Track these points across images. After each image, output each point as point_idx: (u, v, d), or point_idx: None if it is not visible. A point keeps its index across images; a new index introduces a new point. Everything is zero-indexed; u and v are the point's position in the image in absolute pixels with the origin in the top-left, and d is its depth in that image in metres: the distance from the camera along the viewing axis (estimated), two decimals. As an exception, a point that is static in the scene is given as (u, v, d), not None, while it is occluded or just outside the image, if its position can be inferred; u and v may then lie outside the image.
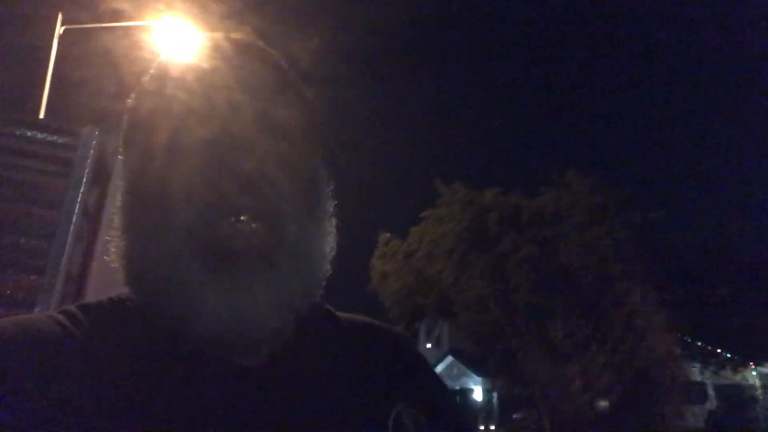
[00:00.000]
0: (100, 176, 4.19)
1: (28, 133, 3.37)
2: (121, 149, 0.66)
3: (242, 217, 0.56)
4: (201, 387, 0.55)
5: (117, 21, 9.18)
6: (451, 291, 17.70)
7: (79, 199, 3.49)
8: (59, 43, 8.60)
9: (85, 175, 3.50)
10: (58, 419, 0.47)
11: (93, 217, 4.48)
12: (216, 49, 0.64)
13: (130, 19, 9.21)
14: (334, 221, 0.68)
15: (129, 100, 0.66)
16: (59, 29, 8.56)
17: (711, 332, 16.68)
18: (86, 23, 9.00)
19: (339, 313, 0.75)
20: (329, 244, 0.67)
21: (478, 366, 21.03)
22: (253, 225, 0.56)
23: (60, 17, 8.67)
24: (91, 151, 3.52)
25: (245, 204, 0.56)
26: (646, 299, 15.07)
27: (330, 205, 0.68)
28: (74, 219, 3.43)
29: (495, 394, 21.48)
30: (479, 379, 22.53)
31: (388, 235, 19.95)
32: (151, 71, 0.66)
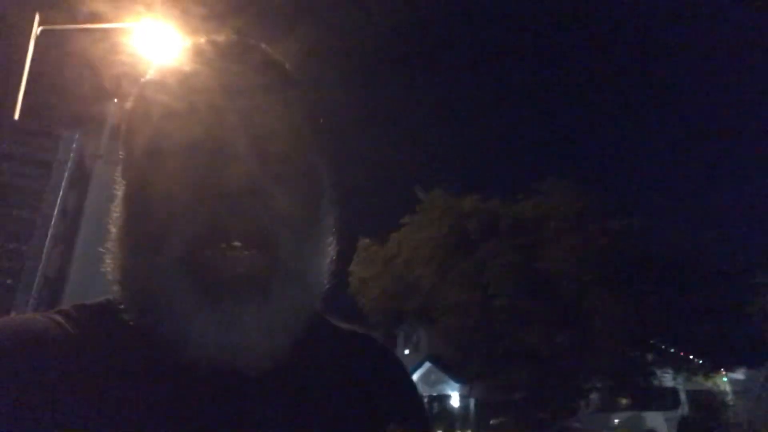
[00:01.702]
0: (80, 179, 4.15)
1: (5, 136, 3.34)
2: (120, 153, 0.65)
3: (235, 243, 0.53)
4: (198, 396, 0.54)
5: (96, 23, 9.04)
6: (430, 297, 17.74)
7: (58, 202, 3.46)
8: (36, 44, 8.46)
9: (65, 178, 3.47)
10: (52, 420, 0.47)
11: (71, 219, 4.43)
12: (208, 51, 0.61)
13: (109, 21, 9.07)
14: (333, 232, 0.66)
15: (125, 102, 0.65)
16: (36, 30, 8.43)
17: (684, 339, 16.94)
18: (64, 24, 8.86)
19: (338, 324, 0.74)
20: (328, 257, 0.64)
21: (456, 372, 21.07)
22: (246, 252, 0.54)
23: (37, 18, 8.54)
24: (71, 154, 3.50)
25: (237, 229, 0.54)
26: (619, 306, 15.28)
27: (332, 217, 0.66)
28: (53, 222, 3.39)
29: (472, 400, 21.55)
30: (457, 385, 22.57)
31: (368, 240, 19.94)
32: (152, 73, 0.63)
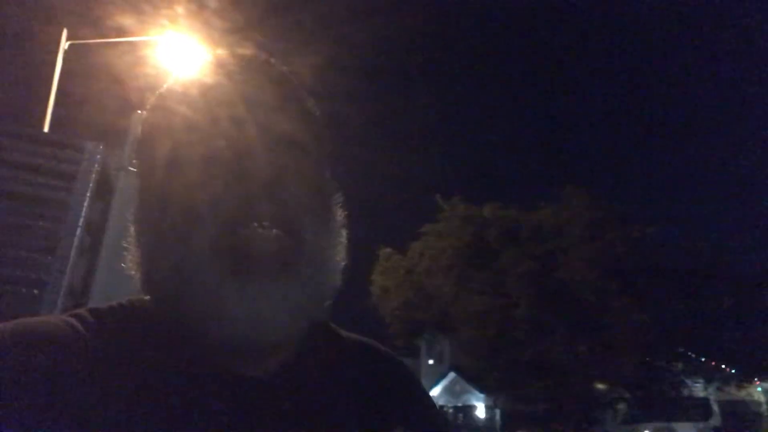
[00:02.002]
0: (104, 191, 4.19)
1: (32, 148, 3.37)
2: (134, 159, 0.68)
3: (265, 223, 0.57)
4: (207, 396, 0.55)
5: (121, 36, 9.24)
6: (451, 306, 17.64)
7: (82, 214, 3.49)
8: (64, 58, 8.66)
9: (89, 190, 3.49)
10: (65, 421, 0.48)
11: (96, 231, 4.47)
12: (229, 64, 0.65)
13: (134, 34, 9.27)
14: (345, 232, 0.69)
15: (144, 112, 0.68)
16: (64, 44, 8.63)
17: (714, 348, 16.57)
18: (91, 38, 9.07)
19: (342, 332, 0.76)
20: (341, 253, 0.67)
21: (480, 382, 20.86)
22: (274, 231, 0.57)
23: (65, 33, 8.74)
24: (96, 166, 3.53)
25: (266, 210, 0.57)
26: (641, 315, 15.01)
27: (341, 216, 0.69)
28: (77, 233, 3.42)
29: (498, 411, 21.28)
30: (482, 395, 22.31)
31: (389, 250, 19.95)
32: (170, 83, 0.67)
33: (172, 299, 0.58)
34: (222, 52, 0.67)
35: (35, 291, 3.54)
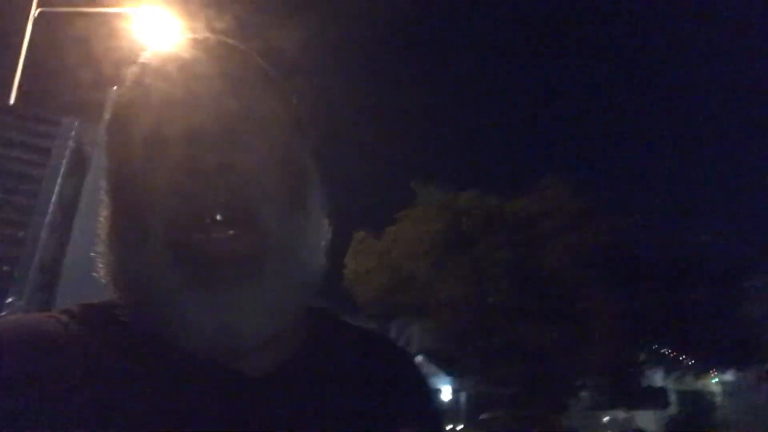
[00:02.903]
0: (78, 167, 4.10)
1: (4, 120, 3.28)
2: (103, 146, 0.63)
3: (217, 217, 0.53)
4: (200, 394, 0.53)
5: (95, 6, 8.93)
6: (426, 291, 17.75)
7: (55, 189, 3.41)
8: (33, 27, 8.34)
9: (63, 165, 3.41)
10: (55, 418, 0.47)
11: (68, 207, 4.37)
12: (192, 48, 0.62)
13: (109, 5, 8.97)
14: (326, 212, 0.66)
15: (111, 94, 0.65)
16: (34, 11, 8.31)
17: (678, 339, 17.05)
18: (62, 7, 8.75)
19: (351, 324, 0.73)
20: (323, 236, 0.64)
21: (448, 366, 21.14)
22: (231, 231, 0.53)
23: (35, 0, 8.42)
24: (70, 142, 3.44)
25: (215, 203, 0.53)
26: (614, 305, 15.34)
27: (321, 196, 0.65)
28: (50, 209, 3.34)
29: (464, 395, 21.64)
30: (448, 379, 22.65)
31: (363, 233, 19.91)
32: (131, 68, 0.63)
33: (137, 307, 0.56)
34: (194, 34, 0.64)
35: (5, 267, 3.51)
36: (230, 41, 0.64)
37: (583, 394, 18.20)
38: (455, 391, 22.66)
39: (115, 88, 0.61)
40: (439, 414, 0.82)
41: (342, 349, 0.67)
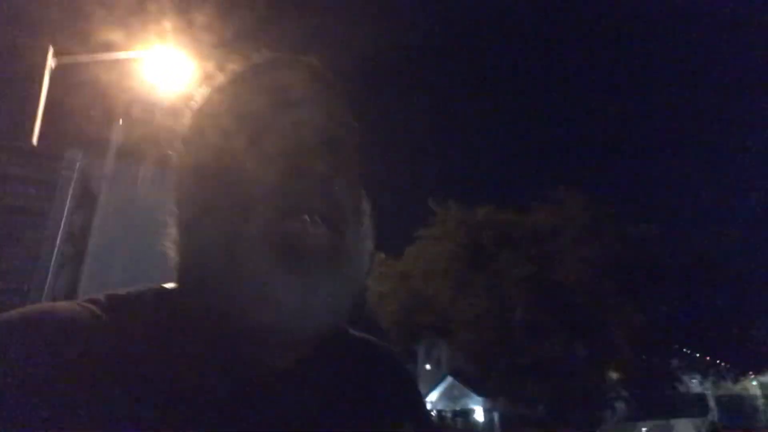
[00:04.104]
0: (86, 199, 4.24)
1: (11, 158, 3.42)
2: (182, 143, 0.69)
3: (315, 218, 0.59)
4: (225, 381, 0.57)
5: (108, 51, 9.28)
6: (448, 311, 17.63)
7: (63, 221, 3.54)
8: (50, 74, 8.72)
9: (69, 198, 3.54)
10: (82, 406, 0.48)
11: (79, 240, 4.52)
12: (282, 64, 0.69)
13: (121, 49, 9.30)
14: (372, 234, 0.72)
15: (195, 100, 0.70)
16: (51, 62, 8.69)
17: (710, 343, 16.60)
18: (78, 54, 9.11)
19: (350, 330, 0.78)
20: (370, 255, 0.70)
21: (478, 386, 20.84)
22: (323, 228, 0.59)
23: (51, 50, 8.81)
24: (75, 174, 3.58)
25: (318, 206, 0.60)
26: (638, 314, 15.03)
27: (370, 218, 0.71)
28: (58, 242, 3.46)
29: (496, 414, 21.25)
30: (480, 399, 22.30)
31: (383, 255, 19.94)
32: (225, 74, 0.70)
33: (213, 283, 0.59)
34: (271, 53, 0.70)
35: (16, 300, 3.59)
36: (319, 64, 0.71)
37: (619, 405, 17.74)
38: (488, 411, 22.26)
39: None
40: (431, 418, 0.88)
41: (343, 352, 0.72)
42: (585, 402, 16.40)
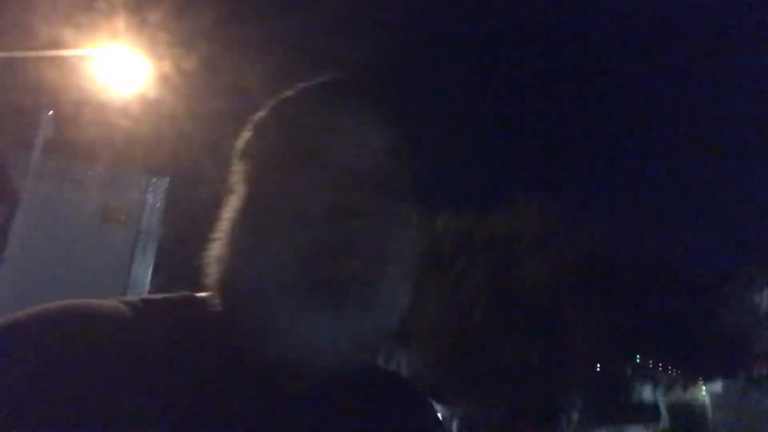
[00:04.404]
0: (7, 194, 4.05)
1: None
2: (241, 159, 0.69)
3: (354, 257, 0.58)
4: (240, 399, 0.57)
5: (57, 48, 8.99)
6: (406, 317, 17.54)
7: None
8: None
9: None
10: (99, 407, 0.49)
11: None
12: (341, 88, 0.68)
13: (70, 47, 9.01)
14: (412, 279, 0.69)
15: (260, 118, 0.70)
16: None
17: (662, 351, 17.01)
18: (20, 49, 8.79)
19: (376, 365, 0.78)
20: (407, 298, 0.67)
21: (436, 393, 20.83)
22: (362, 267, 0.59)
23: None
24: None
25: (358, 246, 0.59)
26: (595, 320, 15.30)
27: (414, 260, 0.69)
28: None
29: (455, 423, 21.29)
30: (439, 406, 22.31)
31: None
32: (275, 103, 0.69)
33: (247, 303, 0.59)
34: (326, 77, 0.69)
35: None
36: (376, 85, 0.70)
37: (573, 412, 17.98)
38: (445, 418, 22.29)
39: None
40: None
41: (365, 386, 0.70)
42: (541, 409, 16.57)
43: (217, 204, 0.68)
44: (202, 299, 0.64)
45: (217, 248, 0.64)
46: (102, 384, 0.50)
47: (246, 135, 0.70)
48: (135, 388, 0.51)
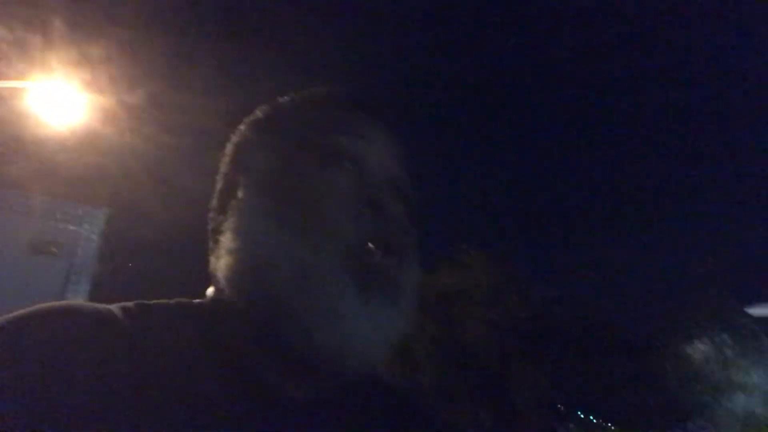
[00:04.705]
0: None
1: None
2: (244, 155, 0.70)
3: (390, 251, 0.61)
4: (239, 406, 0.55)
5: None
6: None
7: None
8: None
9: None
10: (95, 411, 0.47)
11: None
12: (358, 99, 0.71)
13: (4, 78, 8.41)
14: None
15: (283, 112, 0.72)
16: None
17: (602, 407, 17.35)
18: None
19: (385, 377, 0.76)
20: (416, 289, 0.69)
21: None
22: (392, 263, 0.61)
23: None
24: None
25: (388, 240, 0.61)
26: (540, 378, 15.44)
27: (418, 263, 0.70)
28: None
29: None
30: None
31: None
32: (317, 95, 0.72)
33: (281, 299, 0.57)
34: (344, 87, 0.73)
35: None
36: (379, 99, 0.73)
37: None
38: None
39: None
40: None
41: (373, 396, 0.69)
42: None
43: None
44: (199, 305, 0.64)
45: (227, 241, 0.62)
46: (90, 386, 0.48)
47: (244, 132, 0.71)
48: (126, 391, 0.50)
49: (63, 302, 0.55)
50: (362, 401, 0.66)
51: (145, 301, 0.62)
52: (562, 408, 16.23)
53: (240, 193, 0.65)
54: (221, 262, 0.61)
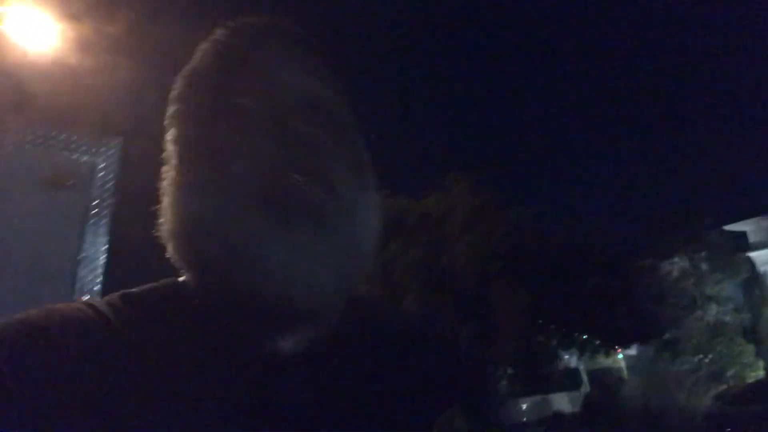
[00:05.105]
0: None
1: None
2: (175, 107, 0.65)
3: (306, 175, 0.57)
4: (234, 374, 0.55)
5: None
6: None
7: None
8: None
9: None
10: (92, 407, 0.48)
11: None
12: (257, 29, 0.67)
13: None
14: (376, 196, 0.69)
15: (195, 59, 0.67)
16: None
17: (584, 323, 17.88)
18: None
19: (391, 310, 0.78)
20: (377, 215, 0.67)
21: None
22: (317, 185, 0.57)
23: None
24: None
25: (306, 164, 0.58)
26: (519, 296, 15.82)
27: (373, 178, 0.68)
28: None
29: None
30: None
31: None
32: (222, 33, 0.67)
33: (213, 260, 0.57)
34: (246, 19, 0.68)
35: None
36: (297, 29, 0.69)
37: (502, 383, 18.67)
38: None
39: (200, 55, 0.65)
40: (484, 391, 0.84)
41: (377, 337, 0.69)
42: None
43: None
44: (183, 284, 0.62)
45: (166, 196, 0.62)
46: (82, 388, 0.48)
47: (178, 82, 0.67)
48: (118, 388, 0.50)
49: (43, 308, 0.55)
50: (346, 345, 0.64)
51: (130, 291, 0.61)
52: (541, 322, 16.81)
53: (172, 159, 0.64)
54: (163, 216, 0.62)
